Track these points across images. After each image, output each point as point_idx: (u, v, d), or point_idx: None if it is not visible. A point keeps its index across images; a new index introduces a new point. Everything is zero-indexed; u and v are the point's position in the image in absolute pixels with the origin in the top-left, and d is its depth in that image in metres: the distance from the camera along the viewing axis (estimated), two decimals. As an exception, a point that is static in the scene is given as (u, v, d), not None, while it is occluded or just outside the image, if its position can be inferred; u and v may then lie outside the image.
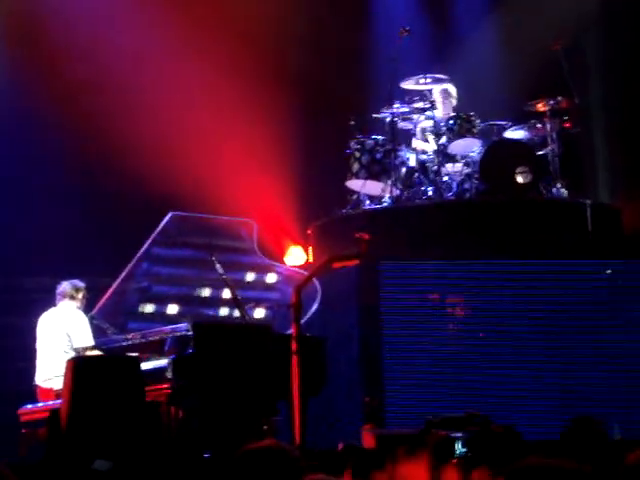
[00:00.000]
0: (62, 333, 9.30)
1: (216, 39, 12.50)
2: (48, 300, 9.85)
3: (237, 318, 9.51)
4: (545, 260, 10.56)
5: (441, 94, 11.78)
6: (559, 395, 10.15)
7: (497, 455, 5.75)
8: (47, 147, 12.33)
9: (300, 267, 11.29)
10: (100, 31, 12.47)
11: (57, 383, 8.99)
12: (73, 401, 8.11)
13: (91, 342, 9.27)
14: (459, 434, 6.27)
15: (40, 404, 8.98)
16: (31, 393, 9.34)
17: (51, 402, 8.80)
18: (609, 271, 10.50)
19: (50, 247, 12.35)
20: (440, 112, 11.66)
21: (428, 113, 11.57)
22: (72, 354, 9.17)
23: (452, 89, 11.87)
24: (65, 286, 9.56)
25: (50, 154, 12.40)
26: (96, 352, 9.25)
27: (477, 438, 6.13)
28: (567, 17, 12.68)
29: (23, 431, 8.84)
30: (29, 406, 8.99)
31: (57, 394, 8.83)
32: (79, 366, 8.44)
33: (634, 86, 12.85)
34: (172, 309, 10.38)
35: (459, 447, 6.15)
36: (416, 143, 11.62)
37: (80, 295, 9.55)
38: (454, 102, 11.83)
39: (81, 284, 9.64)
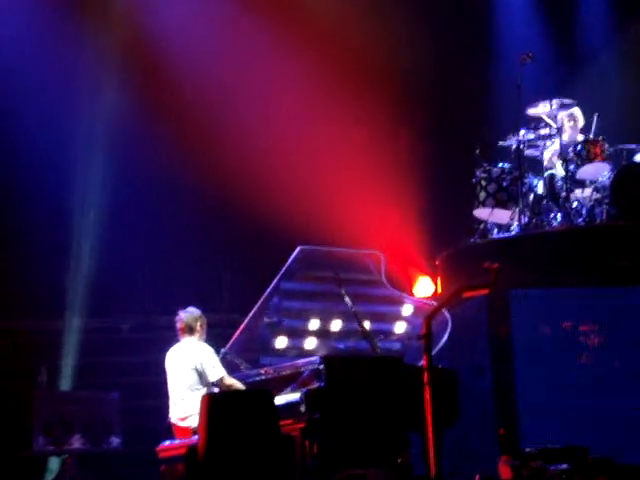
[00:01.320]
0: (189, 370, 9.32)
1: (342, 75, 12.61)
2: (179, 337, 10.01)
3: (368, 350, 9.51)
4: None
5: (568, 118, 11.64)
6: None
7: None
8: (179, 179, 12.57)
9: (429, 298, 11.25)
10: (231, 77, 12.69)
11: (192, 421, 9.08)
12: (209, 437, 8.20)
13: (223, 372, 9.27)
14: (556, 466, 6.19)
15: (177, 441, 9.09)
16: (168, 430, 9.46)
17: (188, 439, 8.91)
18: None
19: (183, 284, 12.57)
20: (567, 136, 11.53)
21: (555, 140, 11.46)
22: (204, 390, 9.22)
23: (578, 113, 11.73)
24: (182, 318, 9.54)
25: (182, 190, 12.65)
26: (233, 380, 9.27)
27: (572, 471, 6.05)
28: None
29: (162, 468, 8.97)
30: (167, 442, 9.12)
31: (194, 431, 8.93)
32: (214, 402, 8.54)
33: None
34: (304, 343, 10.45)
35: None
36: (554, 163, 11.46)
37: (198, 325, 9.52)
38: (580, 125, 11.68)
39: (197, 312, 9.56)
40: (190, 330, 9.49)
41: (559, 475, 6.06)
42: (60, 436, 10.99)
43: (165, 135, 12.51)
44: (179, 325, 9.54)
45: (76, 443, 11.03)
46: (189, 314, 9.53)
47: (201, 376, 9.28)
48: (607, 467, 6.46)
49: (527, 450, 6.87)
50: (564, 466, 6.27)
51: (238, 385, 9.27)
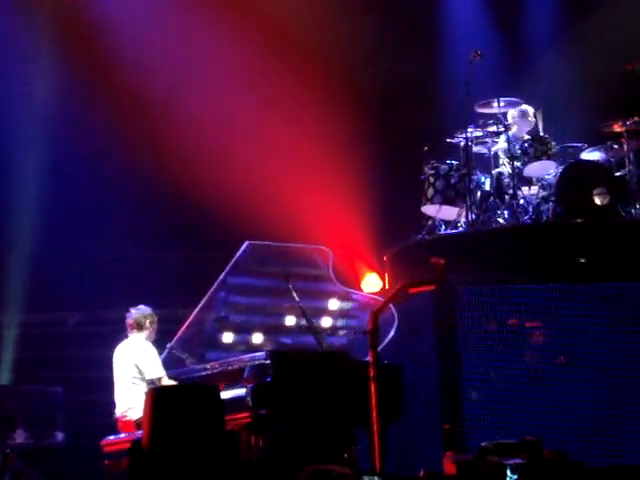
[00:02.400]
0: (131, 365, 9.37)
1: (288, 68, 12.59)
2: (126, 332, 9.95)
3: (314, 346, 9.51)
4: (625, 282, 10.41)
5: (518, 115, 11.71)
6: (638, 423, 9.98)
7: None
8: (122, 179, 12.48)
9: (376, 294, 11.27)
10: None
11: (133, 414, 9.07)
12: (153, 431, 8.16)
13: (162, 373, 9.30)
14: (511, 461, 6.23)
15: (122, 435, 9.08)
16: (112, 425, 9.42)
17: (133, 433, 8.88)
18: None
19: (128, 279, 12.49)
20: (516, 133, 11.60)
21: (502, 137, 11.52)
22: (143, 386, 9.22)
23: (529, 110, 11.80)
24: (132, 315, 9.56)
25: (125, 185, 12.55)
26: (171, 382, 9.30)
27: (528, 465, 6.09)
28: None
29: (106, 462, 8.94)
30: (111, 437, 9.11)
31: (137, 424, 8.91)
32: (158, 396, 8.50)
33: None
34: (250, 338, 10.42)
35: (510, 474, 6.11)
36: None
37: (148, 322, 9.54)
38: (531, 123, 11.76)
39: (148, 311, 9.61)
40: (139, 327, 9.51)
41: (515, 469, 6.09)
42: (2, 431, 10.88)
43: (107, 129, 12.41)
44: (128, 321, 9.56)
45: (19, 438, 10.92)
46: (139, 312, 9.56)
47: (141, 372, 9.29)
48: (562, 461, 6.50)
49: (482, 445, 6.89)
50: (519, 460, 6.31)
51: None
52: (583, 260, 10.66)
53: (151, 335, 9.57)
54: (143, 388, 9.14)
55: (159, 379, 9.26)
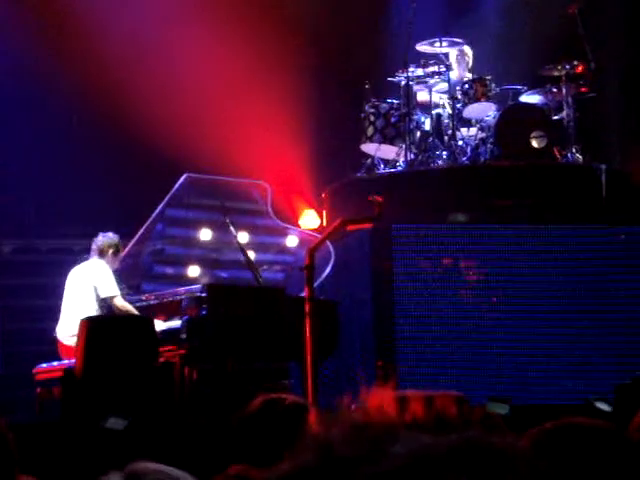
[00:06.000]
0: (86, 287, 9.19)
1: (231, 1, 12.48)
2: (62, 261, 9.90)
3: (250, 280, 9.55)
4: (559, 225, 10.55)
5: (457, 56, 11.72)
6: (570, 360, 10.16)
7: None
8: (57, 108, 12.32)
9: (314, 230, 11.32)
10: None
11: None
12: (86, 360, 8.18)
13: (116, 292, 9.18)
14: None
15: (55, 363, 9.02)
16: (47, 353, 9.37)
17: (66, 361, 8.85)
18: (623, 236, 10.49)
19: (64, 209, 12.39)
20: (456, 74, 11.62)
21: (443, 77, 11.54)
22: (97, 307, 9.12)
23: (468, 51, 11.82)
24: (98, 240, 9.39)
25: (60, 117, 12.40)
26: (126, 303, 9.19)
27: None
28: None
29: (38, 390, 8.91)
30: (44, 365, 9.04)
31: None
32: (93, 325, 8.52)
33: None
34: (187, 271, 10.44)
35: None
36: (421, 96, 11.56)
37: (111, 251, 9.36)
38: (470, 64, 11.79)
39: (116, 238, 9.42)
40: (101, 253, 9.34)
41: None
42: None
43: (53, 55, 12.23)
44: (93, 246, 9.38)
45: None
46: (106, 238, 9.39)
47: (96, 292, 9.17)
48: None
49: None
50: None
51: (130, 308, 9.19)
52: (508, 202, 10.76)
53: (112, 263, 9.40)
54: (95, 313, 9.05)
55: (112, 298, 9.15)
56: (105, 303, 9.18)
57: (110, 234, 9.43)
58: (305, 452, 1.23)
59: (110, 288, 9.14)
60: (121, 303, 9.16)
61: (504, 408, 6.67)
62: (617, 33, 13.04)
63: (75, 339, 8.77)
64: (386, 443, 1.22)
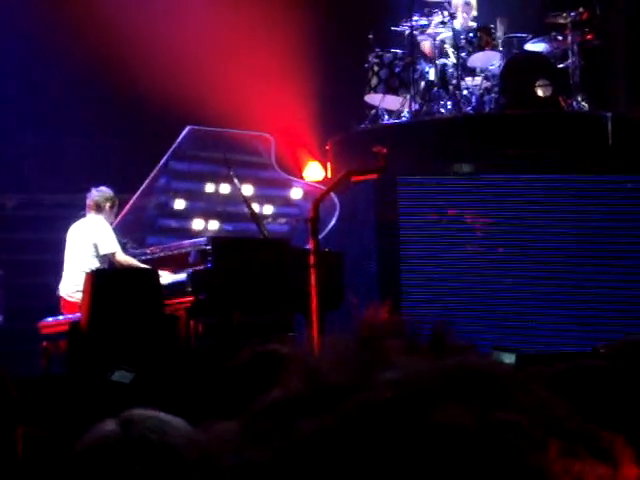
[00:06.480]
0: (86, 243, 9.16)
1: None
2: (66, 216, 9.86)
3: (255, 233, 9.52)
4: (565, 175, 10.50)
5: (462, 5, 11.61)
6: (575, 313, 10.15)
7: None
8: (59, 63, 12.24)
9: (318, 182, 11.27)
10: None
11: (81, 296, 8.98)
12: (92, 314, 8.18)
13: (117, 248, 9.14)
14: None
15: (61, 317, 9.02)
16: (52, 308, 9.37)
17: (72, 315, 8.84)
18: (629, 185, 10.44)
19: (68, 163, 12.35)
20: (460, 24, 11.51)
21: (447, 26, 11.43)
22: (99, 264, 9.11)
23: (473, 0, 11.70)
24: (92, 196, 9.35)
25: (62, 69, 12.32)
26: (128, 257, 9.17)
27: None
28: None
29: (44, 344, 8.91)
30: (50, 319, 9.04)
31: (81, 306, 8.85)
32: (98, 278, 8.50)
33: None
34: (191, 224, 10.41)
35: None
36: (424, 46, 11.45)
37: (107, 206, 9.34)
38: (474, 13, 11.67)
39: (109, 192, 9.36)
40: (97, 208, 9.29)
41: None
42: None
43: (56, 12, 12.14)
44: (88, 202, 9.33)
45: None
46: (101, 193, 9.34)
47: (97, 249, 9.15)
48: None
49: None
50: None
51: (133, 262, 9.16)
52: (513, 151, 10.70)
53: (109, 217, 9.37)
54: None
55: (113, 254, 9.13)
56: (106, 259, 9.16)
57: (103, 188, 9.37)
58: (292, 381, 1.20)
59: (110, 244, 9.11)
60: (123, 258, 9.13)
61: (510, 357, 6.66)
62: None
63: (78, 295, 8.77)
64: (377, 370, 1.19)
